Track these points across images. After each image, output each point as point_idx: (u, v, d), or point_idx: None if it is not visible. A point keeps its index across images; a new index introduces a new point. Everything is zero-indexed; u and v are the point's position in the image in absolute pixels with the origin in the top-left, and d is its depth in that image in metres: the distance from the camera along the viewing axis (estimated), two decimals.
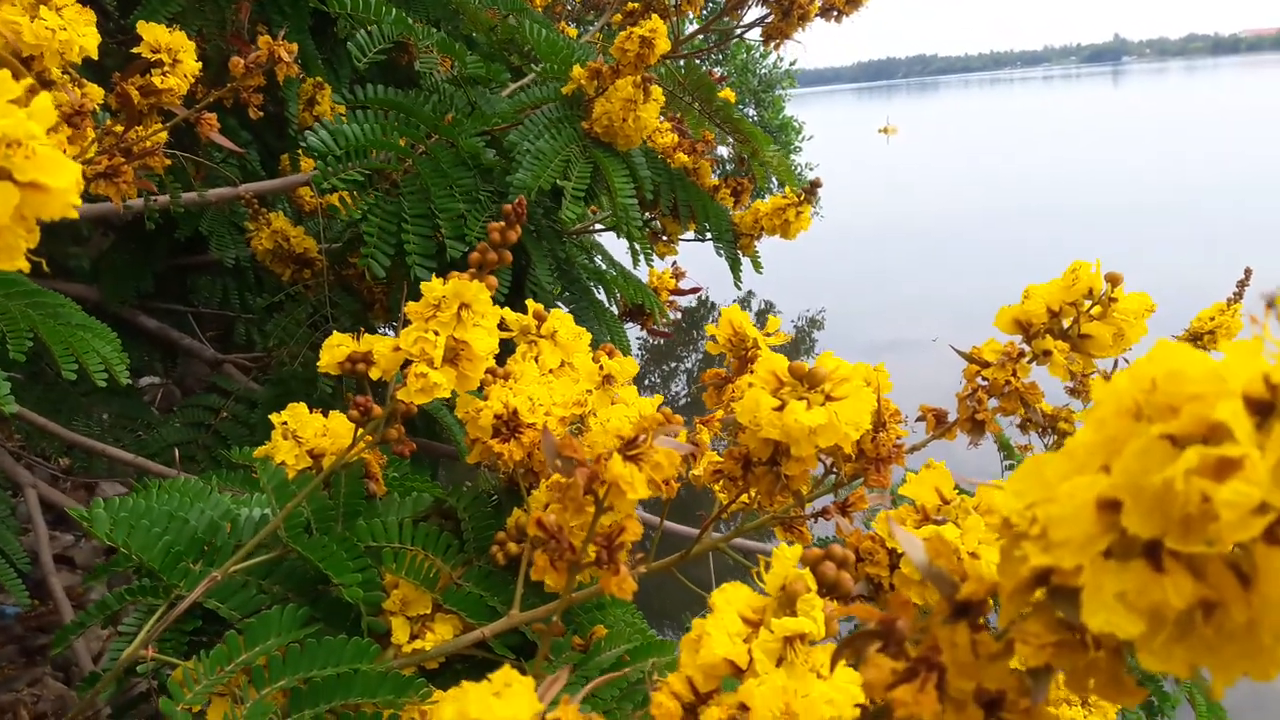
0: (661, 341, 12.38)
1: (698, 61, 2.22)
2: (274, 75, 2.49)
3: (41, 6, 1.10)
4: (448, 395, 0.93)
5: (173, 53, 1.37)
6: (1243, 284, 2.67)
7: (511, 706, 0.44)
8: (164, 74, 1.35)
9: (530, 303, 1.12)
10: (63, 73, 1.28)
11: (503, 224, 0.97)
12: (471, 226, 1.84)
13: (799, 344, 12.18)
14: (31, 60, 1.11)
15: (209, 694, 0.85)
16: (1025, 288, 0.97)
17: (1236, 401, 0.30)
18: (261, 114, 1.51)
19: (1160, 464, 0.31)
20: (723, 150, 2.97)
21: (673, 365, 11.66)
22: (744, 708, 0.58)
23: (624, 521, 0.61)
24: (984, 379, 0.95)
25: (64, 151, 1.20)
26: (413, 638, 0.98)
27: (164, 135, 1.45)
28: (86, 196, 2.11)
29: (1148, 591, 0.32)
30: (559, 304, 2.17)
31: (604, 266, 2.90)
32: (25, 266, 0.54)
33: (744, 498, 1.20)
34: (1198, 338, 2.68)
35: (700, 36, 2.14)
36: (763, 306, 13.86)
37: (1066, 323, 0.93)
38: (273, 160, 2.82)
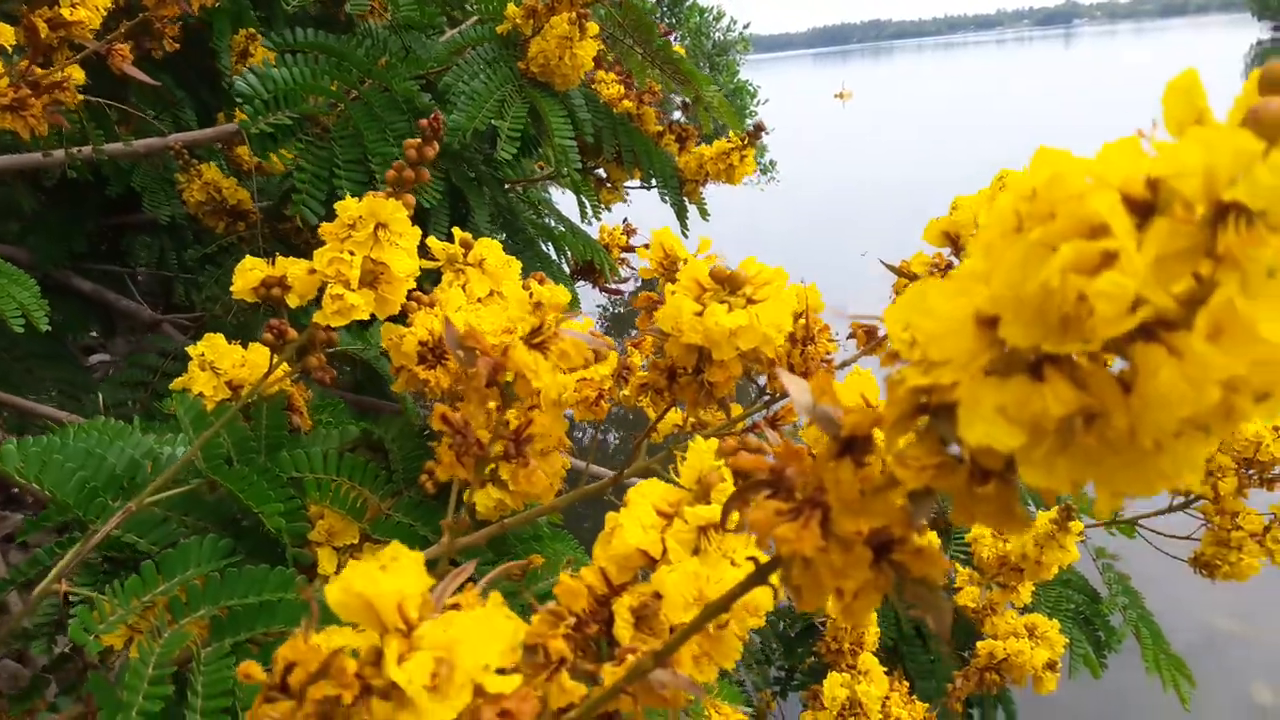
0: (623, 309, 12.37)
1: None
2: (207, 30, 2.42)
3: None
4: (366, 318, 0.90)
5: None
6: None
7: (398, 579, 0.42)
8: (73, 5, 1.30)
9: (457, 231, 1.09)
10: None
11: (419, 140, 0.95)
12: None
13: None
14: None
15: (123, 624, 0.82)
16: (953, 199, 0.95)
17: (1112, 194, 0.29)
18: (177, 46, 1.46)
19: (1038, 269, 0.30)
20: (679, 115, 2.94)
21: (634, 333, 11.65)
22: (657, 596, 0.57)
23: (533, 415, 0.60)
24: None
25: None
26: (339, 568, 0.95)
27: (79, 73, 1.40)
28: (6, 146, 2.05)
29: (1028, 402, 0.30)
30: None
31: (553, 224, 2.87)
32: None
33: (677, 418, 1.19)
34: None
35: None
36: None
37: None
38: (210, 118, 2.75)
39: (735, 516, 0.40)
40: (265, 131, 1.76)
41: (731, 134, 2.14)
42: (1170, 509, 2.23)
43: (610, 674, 0.49)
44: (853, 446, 0.36)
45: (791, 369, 0.91)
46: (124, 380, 2.28)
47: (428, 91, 1.94)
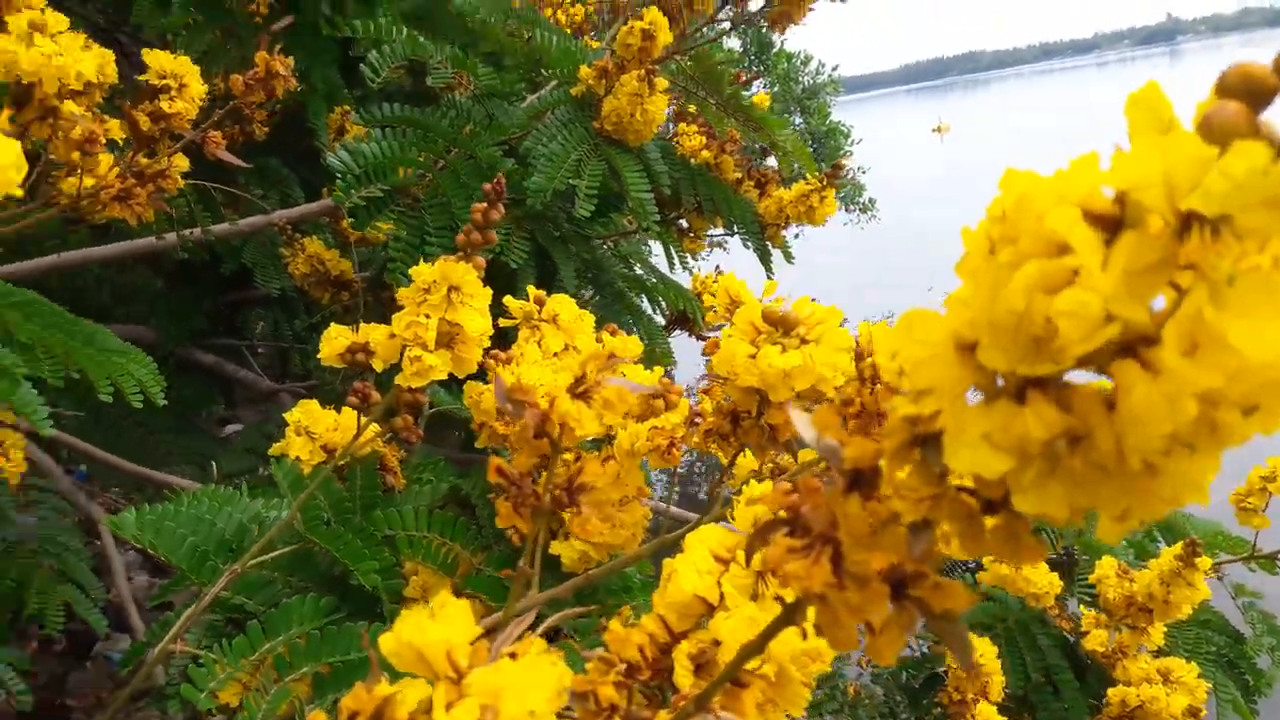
0: None
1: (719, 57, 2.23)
2: (304, 112, 2.56)
3: (36, 34, 1.15)
4: (444, 377, 0.94)
5: (178, 78, 1.42)
6: None
7: (446, 628, 0.44)
8: (171, 98, 1.40)
9: (530, 288, 1.13)
10: (86, 109, 1.34)
11: (485, 204, 0.99)
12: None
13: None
14: (33, 86, 1.15)
15: (230, 681, 0.86)
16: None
17: (1072, 210, 0.29)
18: (267, 130, 1.56)
19: (1006, 291, 0.30)
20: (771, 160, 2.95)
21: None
22: (716, 643, 0.57)
23: (582, 463, 0.61)
24: None
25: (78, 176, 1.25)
26: None
27: (183, 161, 1.50)
28: (124, 232, 2.20)
29: (1011, 426, 0.31)
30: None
31: (644, 275, 2.91)
32: None
33: (751, 463, 1.19)
34: None
35: (706, 29, 2.14)
36: None
37: None
38: (315, 194, 2.90)
39: (758, 557, 0.41)
40: (359, 205, 1.85)
41: (809, 176, 2.15)
42: None
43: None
44: (859, 481, 0.37)
45: (863, 409, 0.91)
46: (245, 448, 2.40)
47: (510, 156, 2.01)
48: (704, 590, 0.59)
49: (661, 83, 1.83)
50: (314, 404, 1.09)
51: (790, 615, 0.41)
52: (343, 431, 1.08)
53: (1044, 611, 2.04)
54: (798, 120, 13.64)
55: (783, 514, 0.40)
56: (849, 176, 13.04)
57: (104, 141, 1.36)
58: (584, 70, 1.95)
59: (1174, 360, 0.28)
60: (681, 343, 3.08)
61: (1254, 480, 2.15)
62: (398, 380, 0.93)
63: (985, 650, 1.80)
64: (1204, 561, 1.69)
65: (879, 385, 0.89)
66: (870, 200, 13.11)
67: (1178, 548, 1.70)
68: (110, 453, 2.23)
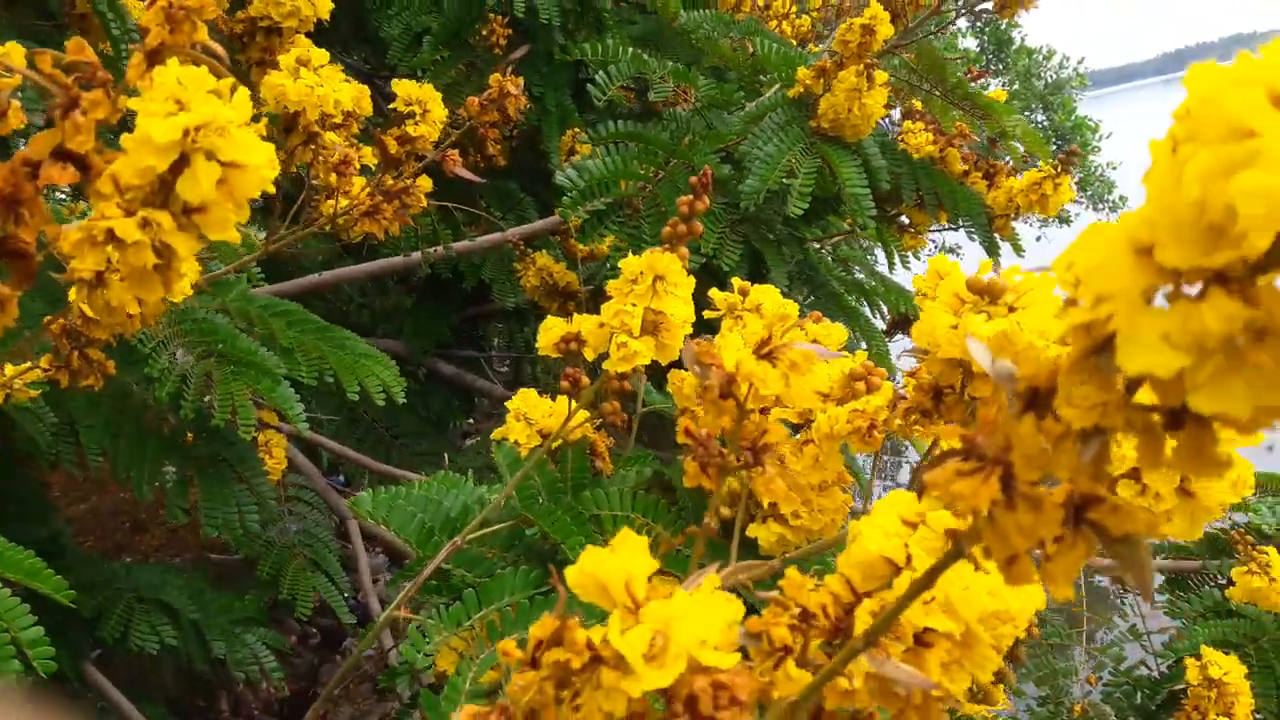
0: None
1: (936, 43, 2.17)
2: (540, 136, 2.71)
3: (302, 69, 1.29)
4: (647, 362, 0.96)
5: (422, 104, 1.54)
6: None
7: (624, 560, 0.45)
8: (416, 123, 1.52)
9: (736, 280, 1.14)
10: (344, 139, 1.48)
11: (690, 197, 1.01)
12: (708, 239, 1.90)
13: None
14: (298, 115, 1.29)
15: (446, 646, 0.92)
16: None
17: (1256, 90, 0.27)
18: (498, 148, 1.66)
19: (1184, 181, 0.28)
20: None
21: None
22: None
23: (767, 423, 0.61)
24: None
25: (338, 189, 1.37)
26: None
27: (426, 182, 1.63)
28: (371, 251, 2.39)
29: (1188, 323, 0.29)
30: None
31: (863, 278, 2.86)
32: (235, 238, 0.64)
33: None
34: None
35: (932, 23, 2.07)
36: None
37: None
38: (549, 214, 3.05)
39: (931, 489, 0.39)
40: (584, 218, 1.93)
41: (1043, 163, 2.04)
42: None
43: (846, 670, 0.49)
44: (1034, 401, 0.35)
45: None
46: (477, 450, 2.55)
47: (727, 163, 2.03)
48: (890, 551, 0.57)
49: (881, 76, 1.80)
50: (532, 392, 1.15)
51: (959, 548, 0.39)
52: (557, 417, 1.12)
53: None
54: (1040, 117, 12.97)
55: (957, 445, 0.39)
56: (1097, 173, 12.23)
57: (358, 166, 1.50)
58: (801, 71, 1.95)
59: None
60: (905, 346, 2.99)
61: None
62: (605, 365, 0.96)
63: (1232, 669, 1.64)
64: None
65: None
66: (1121, 198, 12.23)
67: None
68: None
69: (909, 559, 0.57)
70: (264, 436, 2.08)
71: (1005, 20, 1.99)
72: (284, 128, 1.34)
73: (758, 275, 1.94)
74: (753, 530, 0.98)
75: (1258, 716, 1.99)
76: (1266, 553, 1.79)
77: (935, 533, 0.58)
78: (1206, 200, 0.27)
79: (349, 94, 1.34)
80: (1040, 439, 0.34)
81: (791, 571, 0.51)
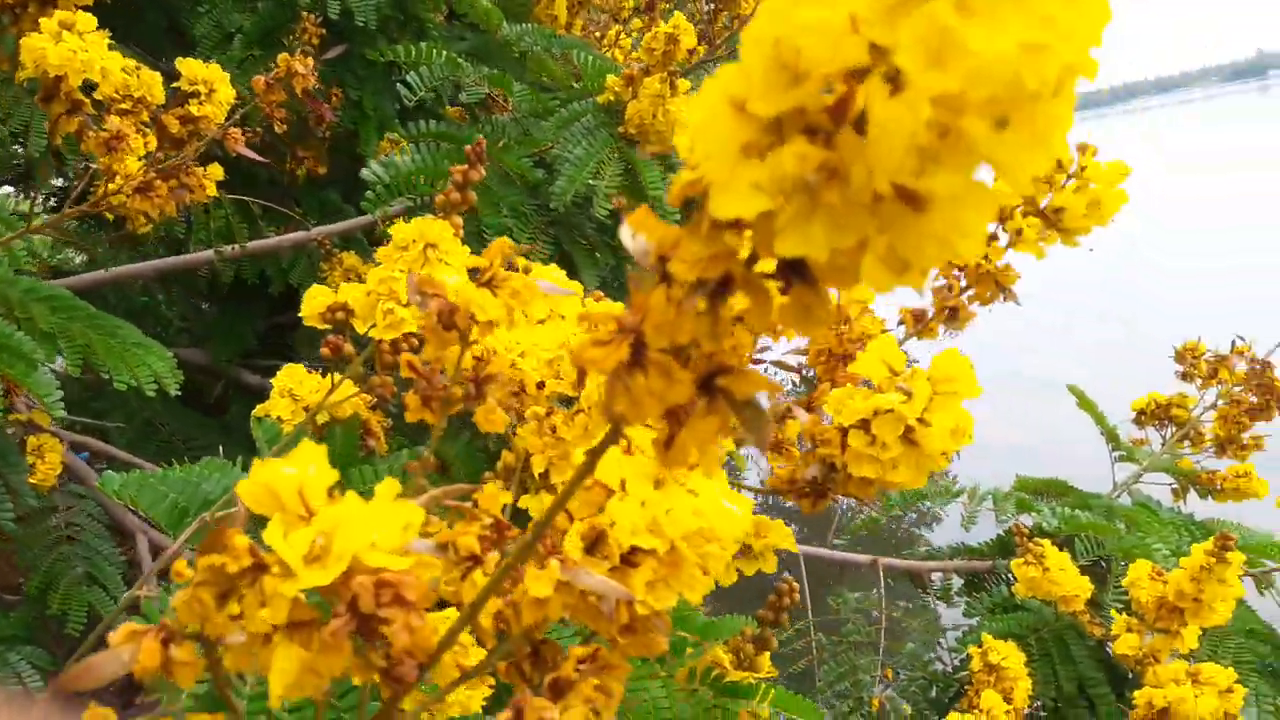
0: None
1: None
2: (355, 138, 2.64)
3: (65, 33, 1.21)
4: (415, 329, 0.95)
5: (208, 84, 1.48)
6: None
7: (297, 468, 0.44)
8: (200, 103, 1.45)
9: (519, 260, 1.13)
10: (134, 127, 1.40)
11: (465, 166, 1.00)
12: (518, 238, 1.89)
13: None
14: (60, 81, 1.21)
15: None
16: None
17: None
18: (285, 128, 1.61)
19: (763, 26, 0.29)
20: None
21: None
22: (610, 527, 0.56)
23: (488, 355, 0.61)
24: (957, 267, 0.91)
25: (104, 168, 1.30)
26: None
27: (218, 171, 1.56)
28: (168, 244, 2.27)
29: (771, 169, 0.30)
30: None
31: None
32: None
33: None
34: None
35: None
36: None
37: (1042, 201, 0.89)
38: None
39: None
40: (389, 216, 1.89)
41: None
42: None
43: (533, 574, 0.49)
44: (666, 272, 0.36)
45: (830, 354, 0.90)
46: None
47: (540, 167, 2.04)
48: (608, 478, 0.58)
49: (684, 84, 1.85)
50: (300, 368, 1.11)
51: (616, 427, 0.40)
52: (326, 394, 1.09)
53: (1077, 620, 1.96)
54: None
55: (608, 325, 0.39)
56: None
57: (141, 150, 1.42)
58: (610, 79, 1.98)
59: (913, 68, 0.27)
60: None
61: None
62: (371, 333, 0.94)
63: (1009, 654, 1.74)
64: (1236, 556, 1.60)
65: (844, 328, 0.88)
66: None
67: (1209, 543, 1.62)
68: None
69: (623, 483, 0.58)
70: (36, 440, 1.94)
71: None
72: (44, 95, 1.26)
73: (567, 265, 1.95)
74: (524, 501, 0.97)
75: (1038, 702, 2.11)
76: (1041, 545, 1.91)
77: (649, 457, 0.58)
78: (781, 42, 0.29)
79: (116, 62, 1.27)
80: (670, 309, 0.35)
81: (490, 486, 0.51)
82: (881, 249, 0.30)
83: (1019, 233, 0.87)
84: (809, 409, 0.87)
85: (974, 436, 0.77)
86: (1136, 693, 1.69)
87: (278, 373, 1.10)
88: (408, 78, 2.15)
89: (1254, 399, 2.54)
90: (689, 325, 0.35)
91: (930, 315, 0.93)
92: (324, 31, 2.30)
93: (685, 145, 0.34)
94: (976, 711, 1.45)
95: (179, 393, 1.45)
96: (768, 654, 1.05)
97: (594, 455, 0.42)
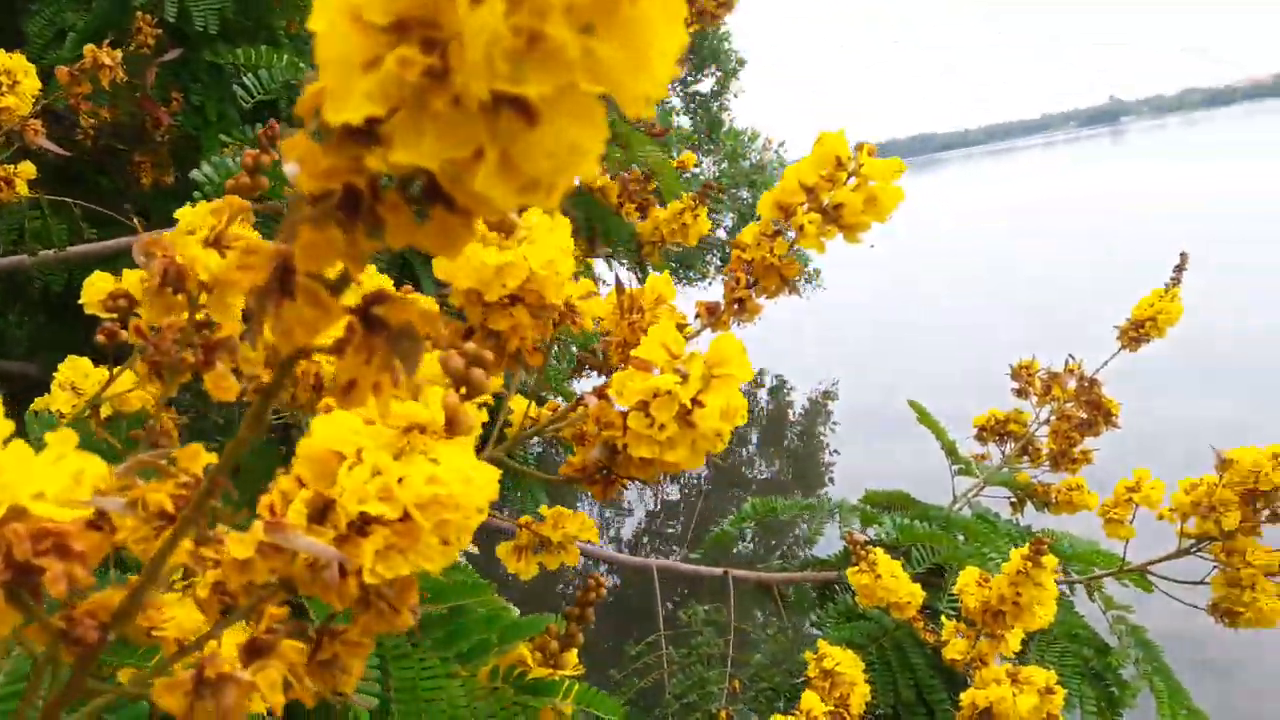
0: None
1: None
2: (196, 145, 2.56)
3: None
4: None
5: (12, 75, 1.41)
6: (1180, 268, 2.65)
7: None
8: (2, 94, 1.38)
9: None
10: None
11: (258, 151, 0.98)
12: None
13: (815, 414, 12.14)
14: None
15: None
16: (785, 170, 0.95)
17: None
18: (93, 120, 1.55)
19: None
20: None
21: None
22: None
23: (224, 319, 0.59)
24: (746, 261, 0.94)
25: None
26: None
27: (30, 169, 1.49)
28: None
29: (381, 74, 0.30)
30: None
31: None
32: None
33: (524, 405, 1.17)
34: (1140, 325, 2.64)
35: None
36: (774, 382, 13.87)
37: (824, 198, 0.92)
38: None
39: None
40: None
41: (684, 196, 2.17)
42: (1179, 553, 2.11)
43: (236, 540, 0.47)
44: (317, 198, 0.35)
45: (625, 344, 0.90)
46: None
47: None
48: (342, 444, 0.56)
49: None
50: (85, 361, 1.06)
51: (287, 365, 0.39)
52: (113, 388, 1.04)
53: (915, 628, 2.02)
54: (745, 194, 13.87)
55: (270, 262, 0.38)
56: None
57: None
58: None
59: None
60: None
61: (1119, 491, 2.17)
62: (142, 313, 0.90)
63: (843, 659, 1.77)
64: (1050, 560, 1.68)
65: (637, 315, 0.89)
66: (815, 270, 13.24)
67: (1025, 548, 1.69)
68: None
69: (359, 452, 0.57)
70: None
71: (716, 103, 2.12)
72: None
73: (409, 277, 1.92)
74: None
75: (879, 713, 2.15)
76: (874, 553, 1.95)
77: (393, 426, 0.57)
78: None
79: None
80: (309, 228, 0.35)
81: (194, 446, 0.49)
82: (494, 161, 0.30)
83: (801, 229, 0.90)
84: (601, 397, 0.87)
85: (746, 417, 0.78)
86: (962, 695, 1.74)
87: (62, 365, 1.05)
88: (245, 79, 2.09)
89: (1083, 415, 2.68)
90: (325, 245, 0.34)
91: (721, 308, 0.95)
92: (160, 33, 2.22)
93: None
94: (797, 713, 1.47)
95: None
96: (574, 651, 1.04)
97: (266, 395, 0.41)
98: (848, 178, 0.90)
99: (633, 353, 0.81)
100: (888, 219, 0.92)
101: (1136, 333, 2.61)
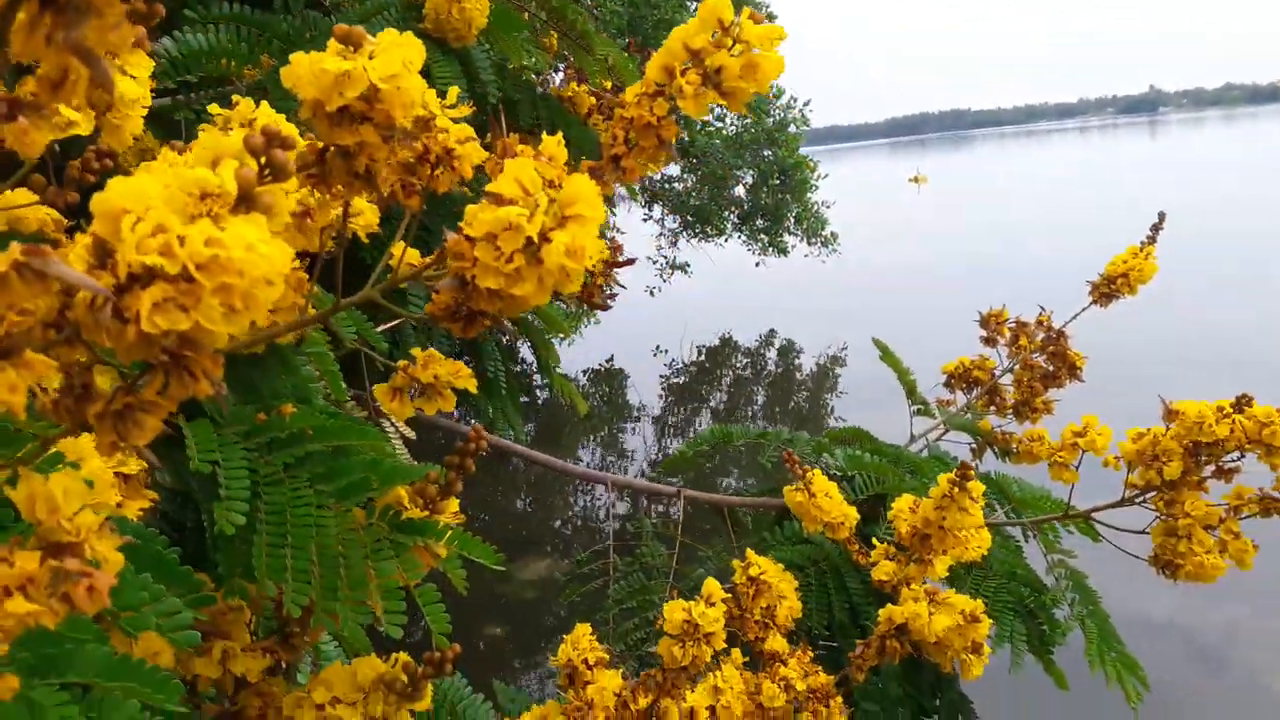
0: (684, 379, 12.35)
1: None
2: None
3: None
4: (86, 133, 0.93)
5: None
6: (1157, 228, 2.63)
7: None
8: None
9: None
10: None
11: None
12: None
13: (822, 378, 12.12)
14: None
15: None
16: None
17: None
18: None
19: None
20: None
21: (695, 405, 11.67)
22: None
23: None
24: (626, 119, 0.94)
25: None
26: None
27: None
28: None
29: None
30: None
31: None
32: None
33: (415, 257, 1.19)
34: (1112, 281, 2.63)
35: None
36: (784, 344, 13.85)
37: (707, 63, 0.92)
38: None
39: None
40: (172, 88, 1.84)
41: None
42: (1123, 501, 2.12)
43: None
44: None
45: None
46: None
47: None
48: (130, 203, 0.58)
49: None
50: None
51: None
52: None
53: (849, 550, 2.04)
54: (766, 152, 13.76)
55: None
56: (813, 209, 13.09)
57: None
58: None
59: None
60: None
61: (1066, 435, 2.18)
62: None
63: (772, 570, 1.80)
64: (976, 486, 1.69)
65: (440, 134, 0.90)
66: (832, 234, 13.16)
67: (951, 473, 1.70)
68: None
69: (146, 210, 0.58)
70: None
71: None
72: None
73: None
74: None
75: (813, 633, 2.18)
76: (811, 472, 1.97)
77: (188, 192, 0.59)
78: None
79: None
80: None
81: None
82: None
83: (680, 90, 0.91)
84: (458, 233, 0.89)
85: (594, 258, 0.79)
86: (880, 611, 1.76)
87: None
88: None
89: (1049, 366, 2.68)
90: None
91: (603, 169, 0.96)
92: None
93: None
94: (699, 598, 1.49)
95: None
96: (454, 500, 1.07)
97: None
98: (732, 43, 0.91)
99: (487, 187, 0.82)
100: (767, 88, 0.92)
101: (1109, 288, 2.59)
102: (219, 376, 0.62)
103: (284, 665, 1.11)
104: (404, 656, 1.02)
